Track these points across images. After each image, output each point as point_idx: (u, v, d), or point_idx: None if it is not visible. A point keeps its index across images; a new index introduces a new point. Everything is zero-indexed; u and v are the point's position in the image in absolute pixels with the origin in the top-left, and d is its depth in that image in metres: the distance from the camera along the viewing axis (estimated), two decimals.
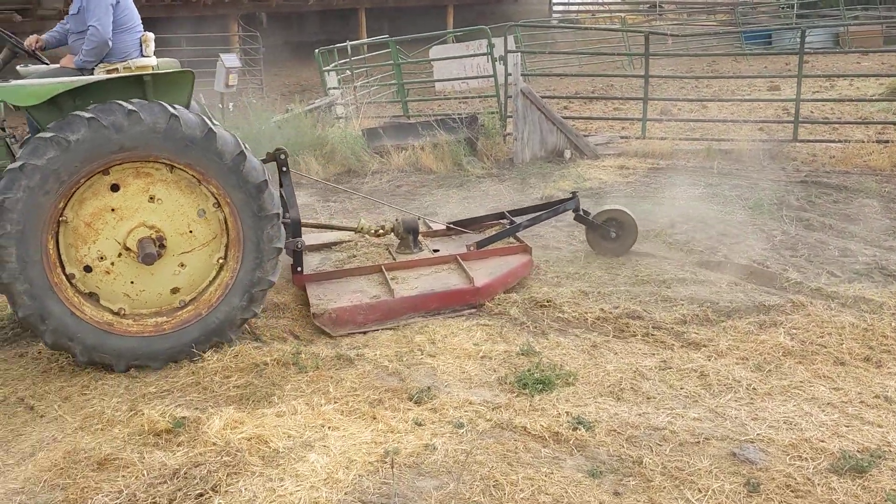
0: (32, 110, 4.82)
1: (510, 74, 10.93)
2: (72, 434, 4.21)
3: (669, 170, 9.86)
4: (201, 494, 3.64)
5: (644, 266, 6.51)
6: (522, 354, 4.99)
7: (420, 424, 4.21)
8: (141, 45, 5.59)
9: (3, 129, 5.14)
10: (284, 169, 5.77)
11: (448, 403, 4.41)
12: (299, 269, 5.78)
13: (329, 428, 4.18)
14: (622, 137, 11.56)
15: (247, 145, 4.94)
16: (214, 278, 5.02)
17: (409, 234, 6.19)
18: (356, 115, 12.24)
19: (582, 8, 31.82)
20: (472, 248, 6.12)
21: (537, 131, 10.49)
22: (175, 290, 4.99)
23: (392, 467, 3.80)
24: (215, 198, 4.88)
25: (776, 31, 24.16)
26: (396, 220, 6.28)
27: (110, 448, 4.03)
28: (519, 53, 11.66)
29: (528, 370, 4.75)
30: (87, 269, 4.80)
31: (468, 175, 9.94)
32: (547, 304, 5.76)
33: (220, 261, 5.00)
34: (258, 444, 4.02)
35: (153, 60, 5.61)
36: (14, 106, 4.97)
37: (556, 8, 30.87)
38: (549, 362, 4.87)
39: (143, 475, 3.79)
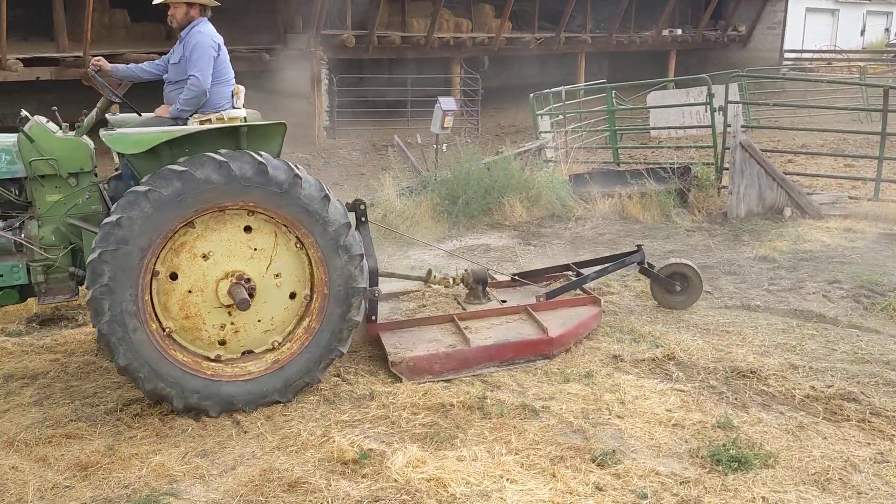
0: (132, 158, 4.94)
1: (730, 126, 10.47)
2: (269, 453, 4.48)
3: None
4: None
5: (866, 343, 5.93)
6: (719, 427, 4.69)
7: (601, 489, 4.07)
8: (232, 97, 5.63)
9: (96, 175, 5.19)
10: (364, 219, 5.72)
11: (633, 470, 4.23)
12: (374, 317, 5.77)
13: (507, 480, 4.15)
14: (851, 198, 10.66)
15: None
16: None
17: (478, 285, 6.26)
18: (565, 160, 12.24)
19: (816, 56, 29.92)
20: (542, 299, 6.13)
21: (755, 186, 9.94)
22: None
23: None
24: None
25: None
26: (466, 270, 6.36)
27: (301, 471, 4.24)
28: (740, 104, 11.14)
29: (724, 445, 4.45)
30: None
31: (676, 227, 9.60)
32: (750, 374, 5.39)
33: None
34: (437, 486, 4.07)
35: (243, 112, 5.67)
36: (120, 154, 5.12)
37: (787, 55, 29.25)
38: (747, 439, 4.54)
39: (328, 502, 3.95)
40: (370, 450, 4.43)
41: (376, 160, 17.03)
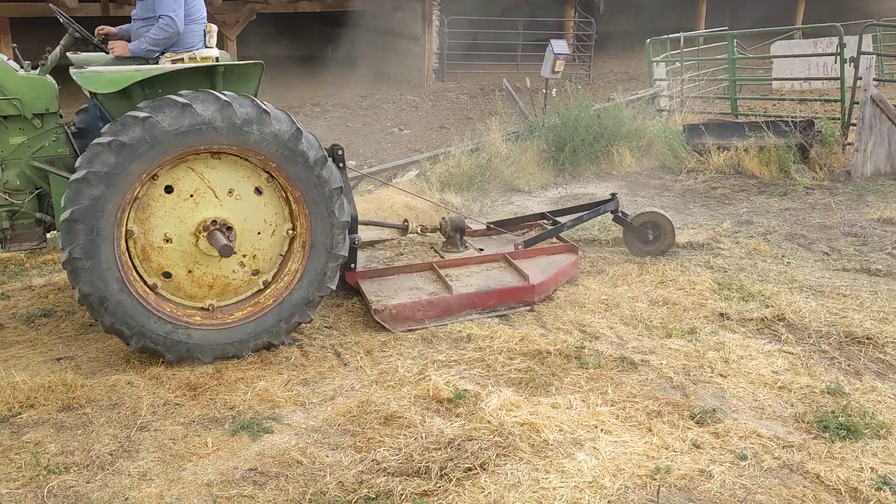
0: (104, 98, 4.74)
1: (860, 78, 9.81)
2: (367, 386, 4.59)
3: None
4: (470, 469, 3.77)
5: None
6: (828, 393, 4.49)
7: (698, 447, 3.97)
8: (205, 36, 5.37)
9: (62, 117, 4.95)
10: (341, 165, 5.52)
11: (733, 430, 4.10)
12: (353, 265, 5.69)
13: (602, 430, 4.11)
14: None
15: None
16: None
17: (456, 233, 6.22)
18: (679, 110, 11.79)
19: None
20: (520, 247, 6.11)
21: (885, 143, 9.31)
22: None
23: (661, 486, 3.63)
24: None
25: None
26: (444, 218, 6.30)
27: (397, 406, 4.32)
28: (874, 56, 10.39)
29: (833, 412, 4.26)
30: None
31: (795, 184, 9.13)
32: (866, 340, 5.12)
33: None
34: (530, 431, 4.07)
35: (215, 52, 5.40)
36: (90, 92, 4.88)
37: None
38: (858, 407, 4.33)
39: (422, 438, 4.02)
40: (465, 390, 4.46)
41: (484, 104, 16.88)
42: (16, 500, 3.56)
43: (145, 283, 4.71)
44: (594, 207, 6.68)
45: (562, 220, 6.60)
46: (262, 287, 4.98)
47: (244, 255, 4.89)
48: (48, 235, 5.15)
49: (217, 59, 5.26)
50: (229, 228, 4.75)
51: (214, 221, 4.71)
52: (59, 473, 3.72)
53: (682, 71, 13.39)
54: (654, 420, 4.21)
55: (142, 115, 4.35)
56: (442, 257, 6.12)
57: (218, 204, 4.74)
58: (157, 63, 5.04)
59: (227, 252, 4.62)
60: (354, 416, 4.26)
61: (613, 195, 6.70)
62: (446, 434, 4.05)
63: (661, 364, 4.81)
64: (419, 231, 6.27)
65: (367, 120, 15.24)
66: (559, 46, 10.01)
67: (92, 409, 4.26)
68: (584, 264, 6.50)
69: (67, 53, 5.07)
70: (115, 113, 4.68)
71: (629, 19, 25.98)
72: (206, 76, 4.72)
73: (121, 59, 5.15)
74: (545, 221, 6.74)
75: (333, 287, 5.02)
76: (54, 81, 4.91)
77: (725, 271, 6.37)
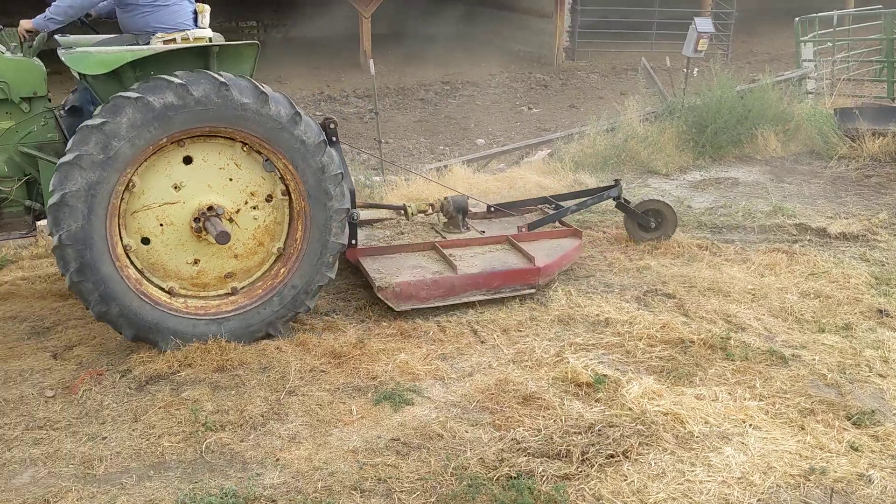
0: (93, 80, 4.55)
1: None
2: (504, 364, 4.59)
3: None
4: (612, 455, 3.71)
5: None
6: None
7: (856, 449, 3.76)
8: (196, 16, 5.13)
9: (50, 101, 4.79)
10: (334, 139, 5.24)
11: (895, 434, 3.86)
12: (353, 242, 5.47)
13: (750, 426, 3.95)
14: None
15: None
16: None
17: (458, 214, 6.07)
18: (829, 93, 11.13)
19: None
20: (524, 230, 5.99)
21: None
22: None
23: (816, 488, 3.46)
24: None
25: None
26: (446, 198, 6.12)
27: (535, 387, 4.30)
28: None
29: None
30: None
31: None
32: None
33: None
34: (673, 421, 3.96)
35: (209, 32, 5.13)
36: (80, 74, 4.67)
37: None
38: None
39: (561, 421, 3.98)
40: (604, 375, 4.39)
41: (615, 83, 16.53)
42: (177, 453, 3.77)
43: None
44: (597, 193, 6.55)
45: (564, 204, 6.47)
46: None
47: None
48: (38, 224, 5.03)
49: (211, 39, 5.05)
50: (231, 220, 4.63)
51: (211, 207, 4.57)
52: (216, 431, 3.92)
53: (832, 52, 12.62)
54: (806, 418, 4.01)
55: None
56: (443, 237, 6.01)
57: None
58: (148, 43, 4.84)
59: (224, 239, 4.47)
60: (493, 393, 4.27)
61: (617, 181, 6.54)
62: (586, 418, 4.00)
63: (814, 360, 4.58)
64: (424, 212, 6.05)
65: (496, 98, 15.20)
66: (703, 24, 9.62)
67: (244, 372, 4.45)
68: (728, 251, 6.27)
69: (55, 36, 4.86)
70: (104, 95, 4.46)
71: None
72: (199, 57, 4.56)
73: (120, 39, 4.98)
74: (547, 206, 6.61)
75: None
76: (42, 64, 4.70)
77: (883, 265, 5.99)
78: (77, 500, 3.40)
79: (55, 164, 4.31)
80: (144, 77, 4.41)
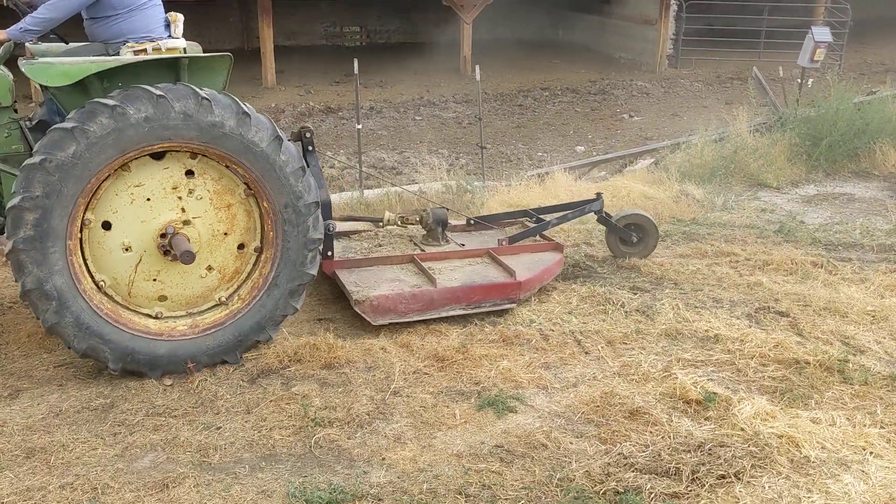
0: (57, 92, 4.38)
1: None
2: (610, 377, 4.52)
3: None
4: (723, 476, 3.60)
5: None
6: None
7: None
8: (169, 25, 4.86)
9: (16, 111, 4.62)
10: (310, 148, 5.17)
11: None
12: (330, 253, 5.35)
13: (871, 453, 3.77)
14: None
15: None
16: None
17: (437, 226, 5.93)
18: None
19: None
20: (504, 243, 5.87)
21: None
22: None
23: None
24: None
25: None
26: (426, 211, 5.96)
27: (642, 401, 4.22)
28: None
29: None
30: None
31: None
32: None
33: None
34: (788, 444, 3.82)
35: (182, 42, 4.85)
36: (41, 86, 4.44)
37: None
38: None
39: (669, 437, 3.89)
40: (714, 393, 4.27)
41: (720, 92, 16.08)
42: (288, 446, 3.86)
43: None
44: (578, 207, 6.36)
45: (546, 217, 6.26)
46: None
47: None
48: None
49: (185, 50, 4.81)
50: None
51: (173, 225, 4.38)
52: (324, 427, 3.99)
53: None
54: None
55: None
56: (422, 250, 5.86)
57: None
58: (118, 53, 4.61)
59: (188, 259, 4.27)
60: (598, 406, 4.21)
61: (598, 194, 6.35)
62: (696, 437, 3.90)
63: None
64: (399, 223, 5.94)
65: (595, 105, 15.01)
66: (821, 34, 9.28)
67: (350, 370, 4.53)
68: (844, 270, 6.01)
69: (27, 44, 4.70)
70: (70, 107, 4.26)
71: (888, 4, 23.59)
72: (169, 69, 4.39)
73: (88, 48, 4.74)
74: (527, 219, 6.42)
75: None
76: (9, 73, 4.58)
77: None
78: (194, 487, 3.52)
79: None
80: (113, 89, 4.22)
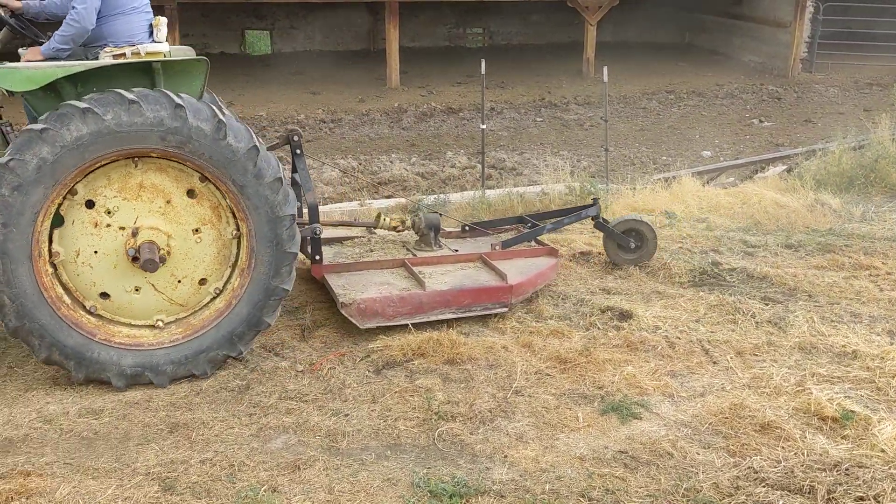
0: (29, 96, 4.30)
1: None
2: (739, 389, 4.38)
3: None
4: (861, 499, 3.44)
5: None
6: None
7: None
8: (152, 29, 4.77)
9: (0, 117, 4.58)
10: (298, 152, 5.06)
11: None
12: (318, 257, 5.21)
13: None
14: None
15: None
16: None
17: (430, 231, 5.84)
18: None
19: None
20: (497, 248, 5.76)
21: None
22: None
23: None
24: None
25: None
26: (418, 216, 5.90)
27: (773, 415, 4.07)
28: None
29: None
30: None
31: None
32: None
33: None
34: None
35: (165, 47, 4.67)
36: (8, 91, 4.33)
37: None
38: None
39: (803, 454, 3.75)
40: (852, 411, 4.08)
41: (858, 98, 15.32)
42: (412, 437, 3.94)
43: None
44: (575, 212, 6.28)
45: (541, 223, 6.12)
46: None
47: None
48: None
49: (167, 54, 4.62)
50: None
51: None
52: (447, 420, 4.05)
53: None
54: None
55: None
56: (414, 255, 5.70)
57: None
58: (97, 57, 4.53)
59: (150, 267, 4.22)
60: (726, 417, 4.09)
61: (595, 199, 6.29)
62: (832, 455, 3.73)
63: None
64: (391, 227, 5.80)
65: (722, 109, 14.57)
66: None
67: (472, 367, 4.58)
68: None
69: (19, 49, 4.78)
70: (42, 111, 4.21)
71: None
72: (143, 73, 4.29)
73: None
74: (522, 225, 6.21)
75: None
76: None
77: None
78: (324, 470, 3.65)
79: None
80: (86, 93, 4.16)
